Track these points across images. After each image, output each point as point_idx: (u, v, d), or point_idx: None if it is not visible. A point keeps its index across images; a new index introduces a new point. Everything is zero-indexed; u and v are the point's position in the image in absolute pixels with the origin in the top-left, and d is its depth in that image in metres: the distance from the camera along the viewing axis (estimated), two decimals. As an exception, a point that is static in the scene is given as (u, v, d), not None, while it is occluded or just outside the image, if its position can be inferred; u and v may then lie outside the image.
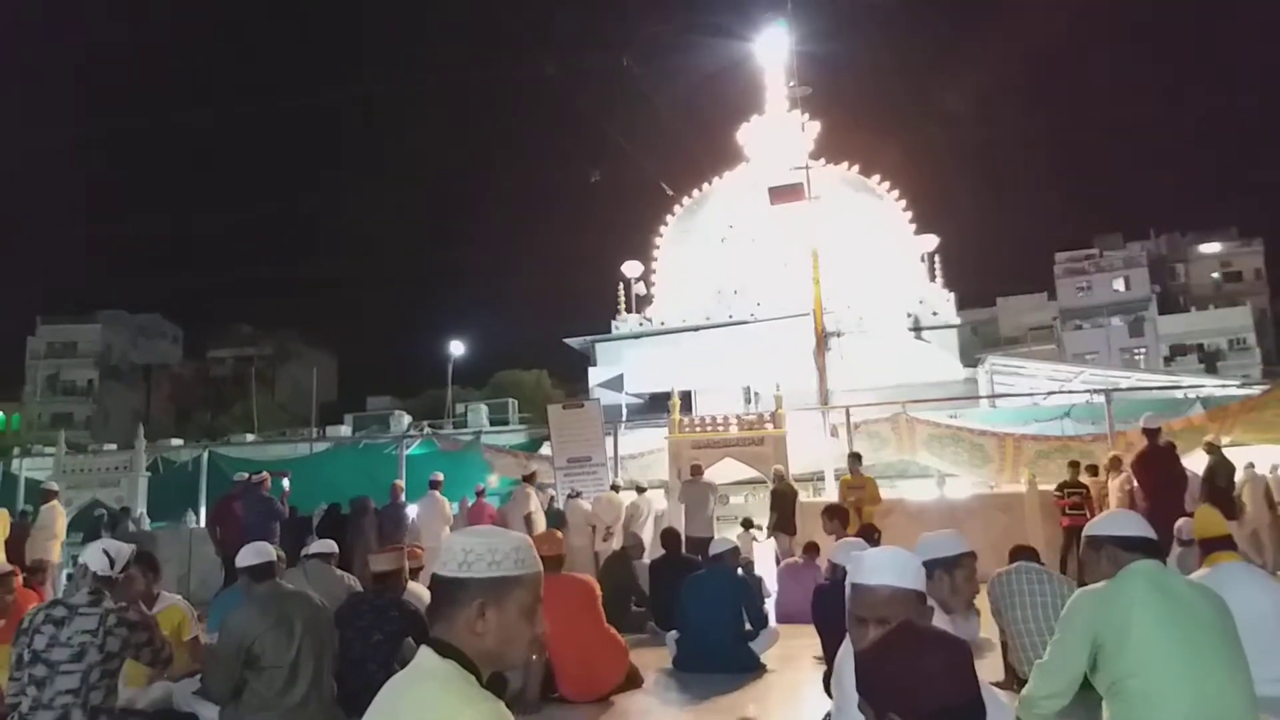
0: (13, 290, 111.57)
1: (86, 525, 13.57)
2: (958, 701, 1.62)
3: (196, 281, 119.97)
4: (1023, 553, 5.83)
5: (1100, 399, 14.86)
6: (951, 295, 30.50)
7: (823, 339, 20.72)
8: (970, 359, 29.76)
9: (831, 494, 14.35)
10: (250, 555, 5.38)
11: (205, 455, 15.97)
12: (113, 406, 60.11)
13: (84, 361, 62.25)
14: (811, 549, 9.46)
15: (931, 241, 30.94)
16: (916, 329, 29.08)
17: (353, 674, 5.77)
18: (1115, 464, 11.31)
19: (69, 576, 9.74)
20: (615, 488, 13.44)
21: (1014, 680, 5.22)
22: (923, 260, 30.99)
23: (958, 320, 30.57)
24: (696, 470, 12.54)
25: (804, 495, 13.75)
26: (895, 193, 31.57)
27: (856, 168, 31.91)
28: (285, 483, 12.06)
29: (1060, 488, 11.84)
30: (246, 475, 12.00)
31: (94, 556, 4.70)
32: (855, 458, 12.09)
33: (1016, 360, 29.43)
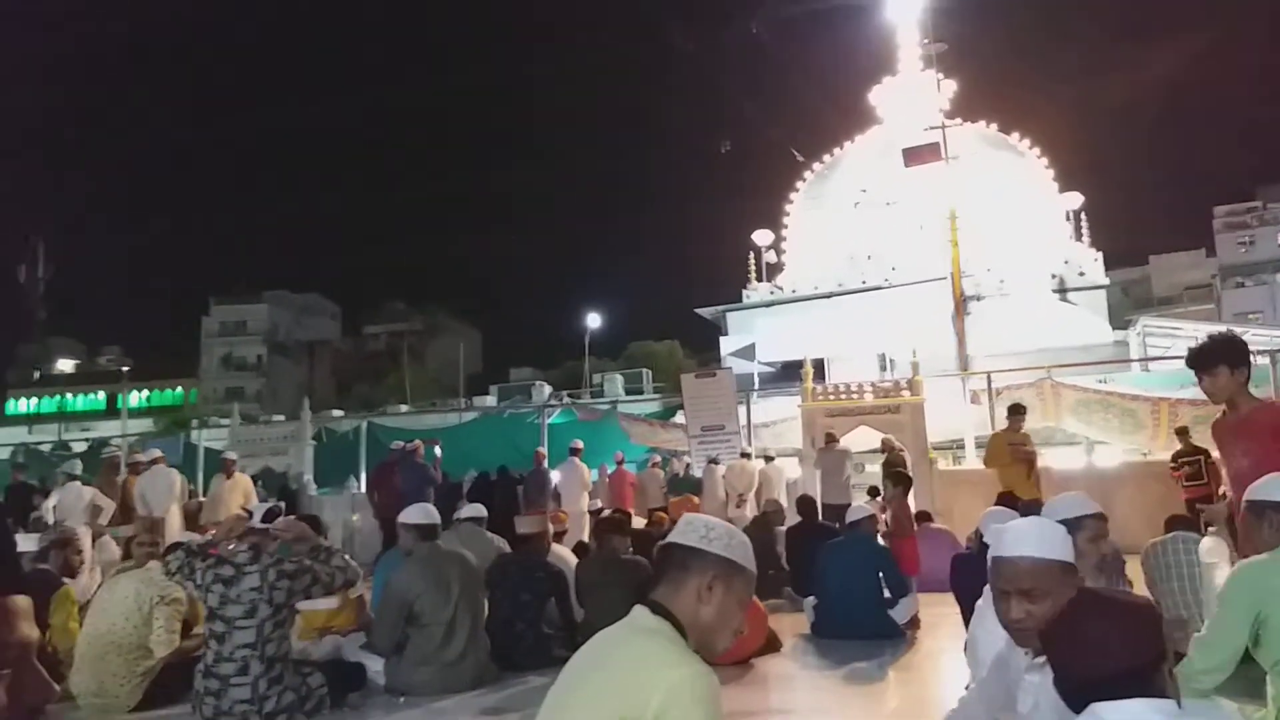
0: (189, 274, 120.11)
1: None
2: (1142, 661, 1.63)
3: (354, 261, 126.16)
4: (1179, 522, 5.61)
5: (1265, 361, 13.89)
6: (1099, 254, 28.97)
7: (962, 303, 20.13)
8: (1120, 321, 28.32)
9: (973, 462, 14.03)
10: (418, 515, 5.77)
11: (364, 425, 16.63)
12: (279, 380, 63.75)
13: (253, 339, 66.26)
14: (924, 518, 9.39)
15: (1077, 199, 29.46)
16: (1061, 290, 27.79)
17: (501, 632, 6.07)
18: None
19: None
20: (745, 455, 13.49)
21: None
22: (1068, 219, 29.54)
23: (1106, 280, 29.05)
24: (831, 438, 12.46)
25: (944, 464, 13.48)
26: (1037, 149, 30.17)
27: (995, 125, 30.60)
28: (437, 450, 12.63)
29: (1175, 458, 11.05)
30: (402, 444, 12.62)
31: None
32: (1017, 410, 10.28)
33: (1171, 321, 27.81)
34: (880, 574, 7.07)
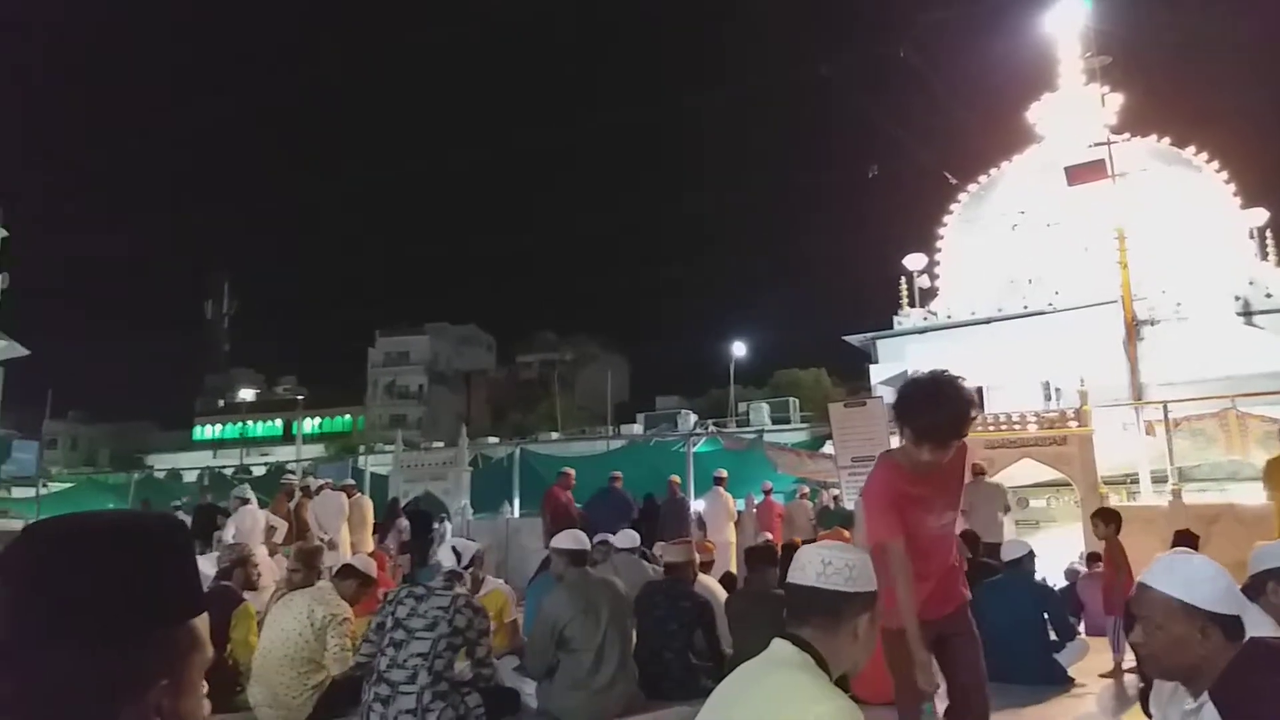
0: (358, 308, 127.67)
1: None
2: None
3: (508, 293, 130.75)
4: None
5: None
6: (1288, 274, 26.70)
7: (1134, 328, 18.97)
8: (1315, 345, 25.92)
9: (1149, 498, 13.17)
10: (569, 540, 5.89)
11: (518, 452, 17.05)
12: (439, 408, 66.47)
13: (415, 369, 69.53)
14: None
15: (1262, 215, 27.26)
16: (1246, 313, 25.71)
17: (649, 660, 6.09)
18: None
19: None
20: None
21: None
22: (1252, 236, 27.39)
23: (1294, 302, 26.72)
24: (979, 470, 11.68)
25: (1115, 499, 12.70)
26: (1216, 163, 28.14)
27: (1168, 139, 28.75)
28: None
29: None
30: (617, 474, 12.67)
31: (445, 554, 5.47)
32: None
33: (1374, 345, 25.27)
34: (1045, 615, 6.72)
